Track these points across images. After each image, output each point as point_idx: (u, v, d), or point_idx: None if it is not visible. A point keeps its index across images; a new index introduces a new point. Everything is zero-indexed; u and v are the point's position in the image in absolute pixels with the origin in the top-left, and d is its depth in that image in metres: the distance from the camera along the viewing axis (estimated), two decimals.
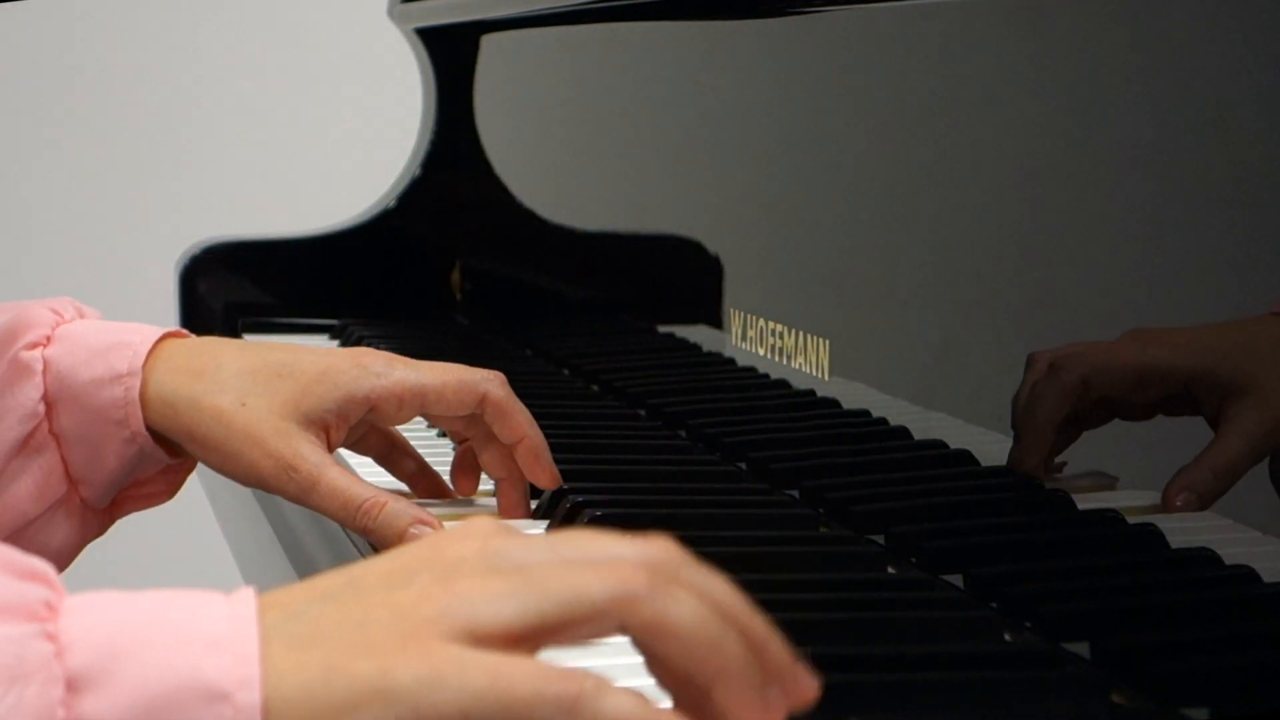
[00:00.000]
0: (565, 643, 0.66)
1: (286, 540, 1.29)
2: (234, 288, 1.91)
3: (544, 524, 1.09)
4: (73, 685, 0.64)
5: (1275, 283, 0.81)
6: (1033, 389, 0.95)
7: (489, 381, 1.08)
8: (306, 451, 1.03)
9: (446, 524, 1.02)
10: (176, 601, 0.66)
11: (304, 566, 1.18)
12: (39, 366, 1.05)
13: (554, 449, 1.20)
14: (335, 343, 1.81)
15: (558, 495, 1.10)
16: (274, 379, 1.05)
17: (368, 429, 1.11)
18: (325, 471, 1.03)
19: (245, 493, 1.44)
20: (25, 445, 1.05)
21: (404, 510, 1.02)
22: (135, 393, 1.04)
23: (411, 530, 1.01)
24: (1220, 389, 0.84)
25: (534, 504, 1.13)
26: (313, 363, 1.06)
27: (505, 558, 0.66)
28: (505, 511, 1.11)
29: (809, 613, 0.88)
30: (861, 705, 0.76)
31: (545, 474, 1.09)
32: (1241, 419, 0.83)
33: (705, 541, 0.98)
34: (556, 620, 0.65)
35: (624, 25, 1.53)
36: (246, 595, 0.67)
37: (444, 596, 0.65)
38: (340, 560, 1.15)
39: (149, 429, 1.05)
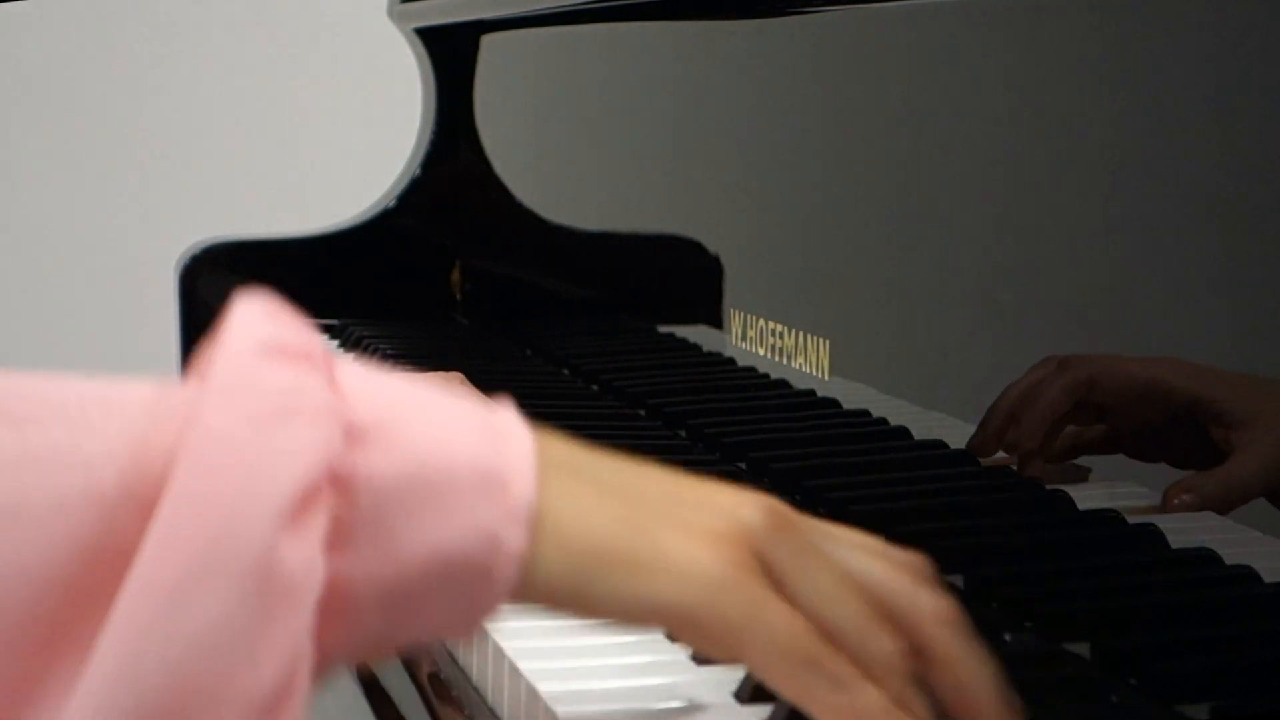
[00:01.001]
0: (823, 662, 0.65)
1: None
2: (234, 288, 1.90)
3: None
4: (350, 435, 0.62)
5: (1275, 283, 0.81)
6: (1039, 383, 0.95)
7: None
8: None
9: None
10: (446, 391, 0.65)
11: None
12: None
13: None
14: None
15: None
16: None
17: None
18: None
19: None
20: None
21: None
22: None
23: None
24: (1229, 418, 0.84)
25: None
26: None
27: (817, 539, 0.67)
28: None
29: None
30: None
31: None
32: (1257, 445, 0.83)
33: None
34: (839, 633, 0.65)
35: (624, 25, 1.53)
36: (511, 411, 0.66)
37: (761, 523, 0.66)
38: None
39: None
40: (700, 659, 0.83)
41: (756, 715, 0.77)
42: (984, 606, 0.91)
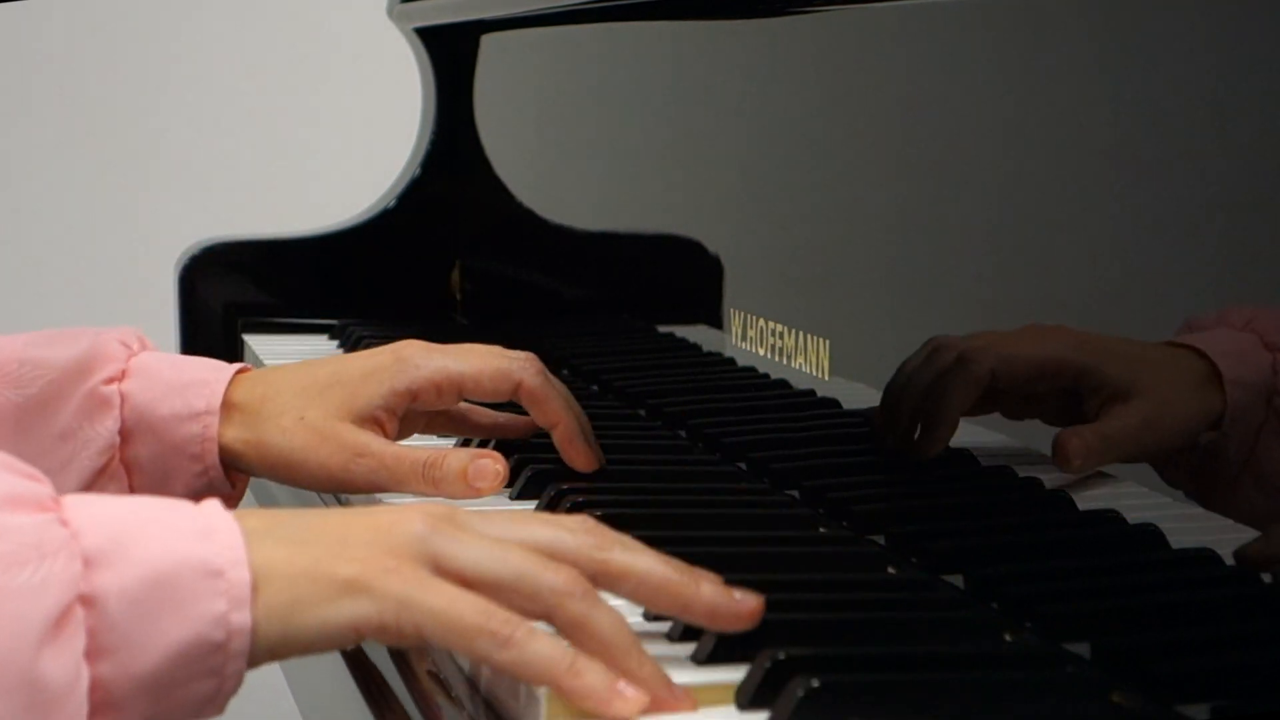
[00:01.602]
0: (496, 601, 0.77)
1: None
2: (234, 288, 1.91)
3: None
4: (89, 562, 0.74)
5: (1275, 283, 0.81)
6: (941, 378, 1.01)
7: (524, 370, 1.14)
8: (366, 439, 1.10)
9: None
10: (159, 503, 0.78)
11: None
12: (116, 400, 1.13)
13: (554, 449, 1.20)
14: (335, 343, 1.81)
15: (557, 495, 1.11)
16: (325, 390, 1.13)
17: (435, 414, 1.18)
18: (387, 448, 1.10)
19: (247, 497, 1.44)
20: (101, 474, 1.13)
21: (462, 452, 1.10)
22: (214, 430, 1.12)
23: (471, 466, 1.08)
24: (1109, 387, 0.90)
25: (533, 504, 1.13)
26: (358, 367, 1.14)
27: (476, 524, 0.80)
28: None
29: (809, 613, 0.88)
30: (861, 705, 0.76)
31: (580, 457, 1.15)
32: (1130, 410, 0.88)
33: (705, 541, 0.98)
34: (507, 584, 0.78)
35: (624, 25, 1.53)
36: (214, 503, 0.78)
37: (421, 528, 0.78)
38: None
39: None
40: (700, 659, 0.83)
41: (757, 716, 0.77)
42: (984, 606, 0.91)
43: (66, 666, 0.73)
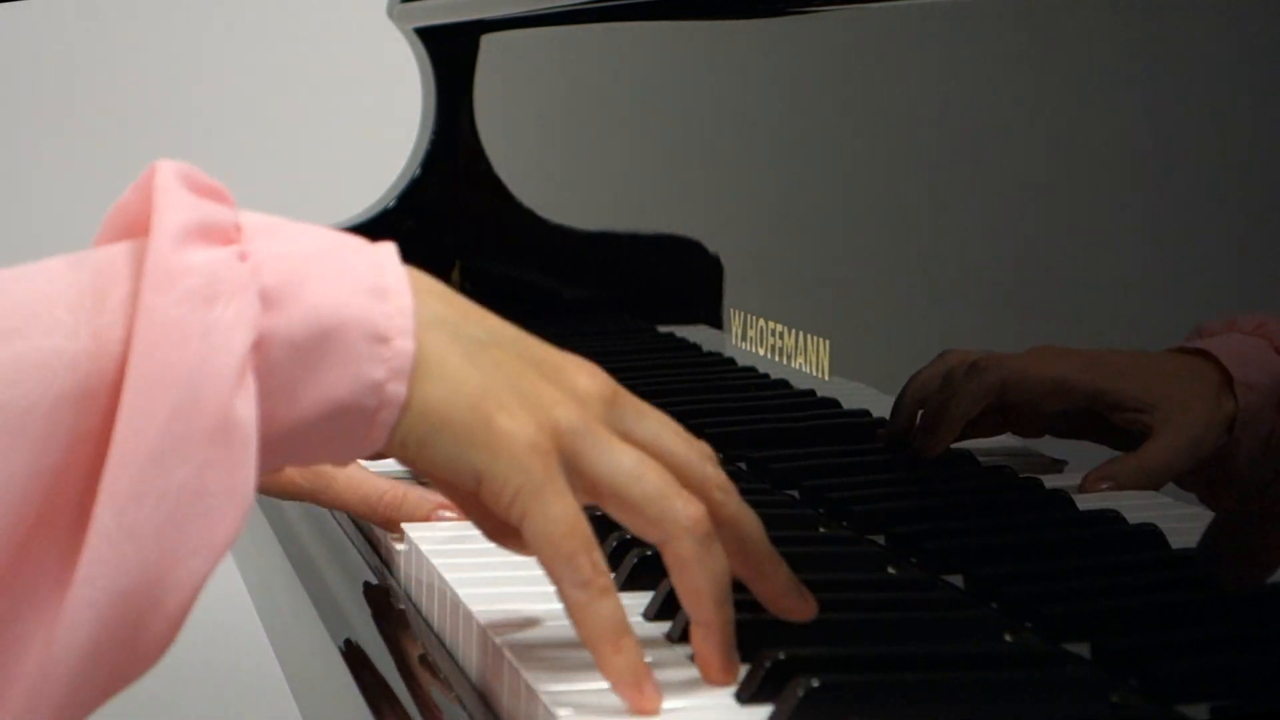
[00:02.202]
0: (622, 518, 0.79)
1: (286, 540, 1.29)
2: None
3: None
4: (264, 300, 0.73)
5: (1274, 283, 0.81)
6: (951, 382, 1.01)
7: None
8: None
9: None
10: (340, 242, 0.77)
11: (304, 566, 1.18)
12: None
13: None
14: None
15: None
16: None
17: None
18: (339, 470, 1.09)
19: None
20: None
21: (425, 497, 1.09)
22: None
23: (434, 516, 1.08)
24: (1129, 405, 0.89)
25: None
26: None
27: (628, 422, 0.81)
28: None
29: None
30: (861, 705, 0.76)
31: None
32: (1168, 426, 0.87)
33: None
34: (635, 502, 0.78)
35: (624, 25, 1.53)
36: (390, 250, 0.77)
37: (578, 418, 0.78)
38: (336, 558, 1.15)
39: None
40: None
41: (756, 716, 0.77)
42: (984, 606, 0.91)
43: (249, 407, 0.72)
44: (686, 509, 0.78)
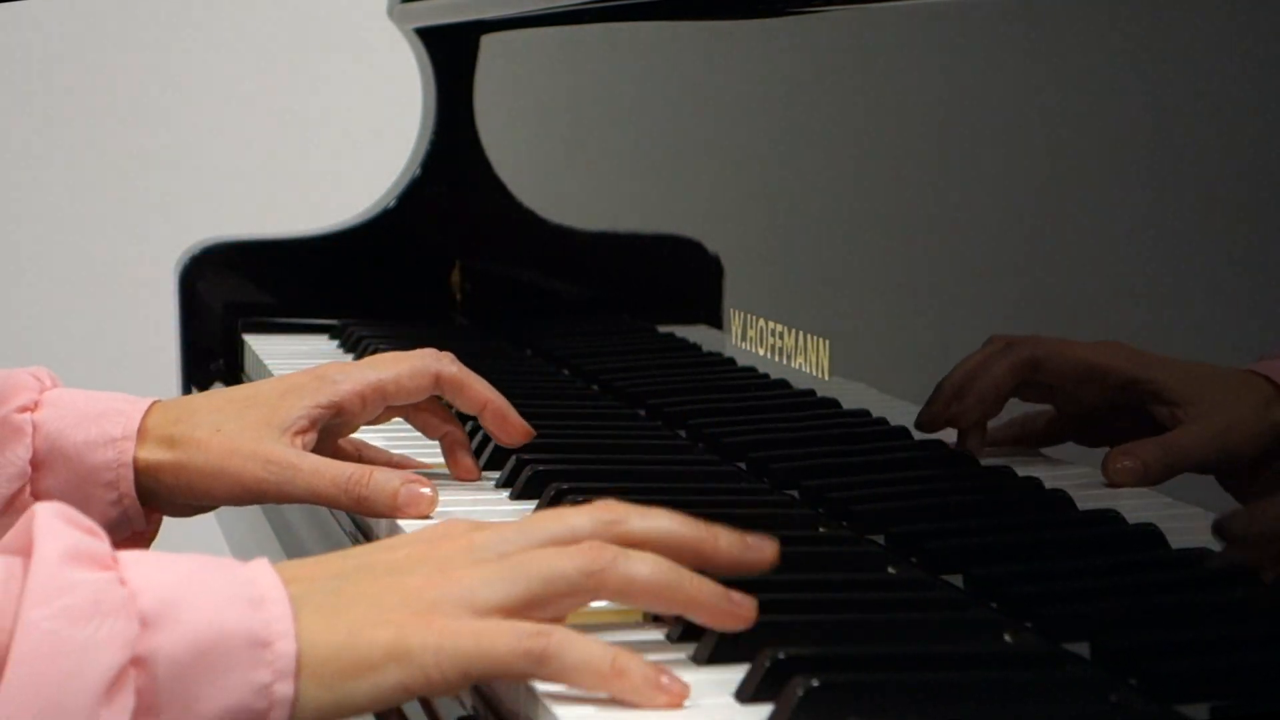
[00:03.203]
0: (551, 614, 0.81)
1: (286, 541, 1.29)
2: (234, 288, 1.90)
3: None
4: (143, 622, 0.76)
5: (1275, 284, 0.81)
6: (986, 359, 1.00)
7: (440, 361, 1.17)
8: (284, 450, 1.11)
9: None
10: (209, 565, 0.79)
11: None
12: (29, 429, 1.12)
13: (553, 449, 1.20)
14: (335, 343, 1.81)
15: (557, 494, 1.10)
16: (243, 408, 1.13)
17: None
18: (305, 459, 1.11)
19: (259, 519, 1.44)
20: (9, 505, 1.12)
21: (389, 474, 1.10)
22: (129, 455, 1.12)
23: (403, 490, 1.09)
24: (1165, 396, 0.88)
25: (533, 504, 1.13)
26: (274, 386, 1.15)
27: (489, 549, 0.82)
28: (460, 475, 1.19)
29: (809, 613, 0.88)
30: (861, 705, 0.76)
31: (513, 431, 1.18)
32: (1198, 421, 0.87)
33: None
34: (541, 596, 0.80)
35: (624, 25, 1.53)
36: (264, 564, 0.80)
37: (444, 583, 0.80)
38: None
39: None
40: (701, 659, 0.83)
41: (757, 715, 0.77)
42: (984, 606, 0.91)
43: None
44: (576, 560, 0.81)
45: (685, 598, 0.82)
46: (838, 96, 1.19)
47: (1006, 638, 0.86)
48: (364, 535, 1.18)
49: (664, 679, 0.78)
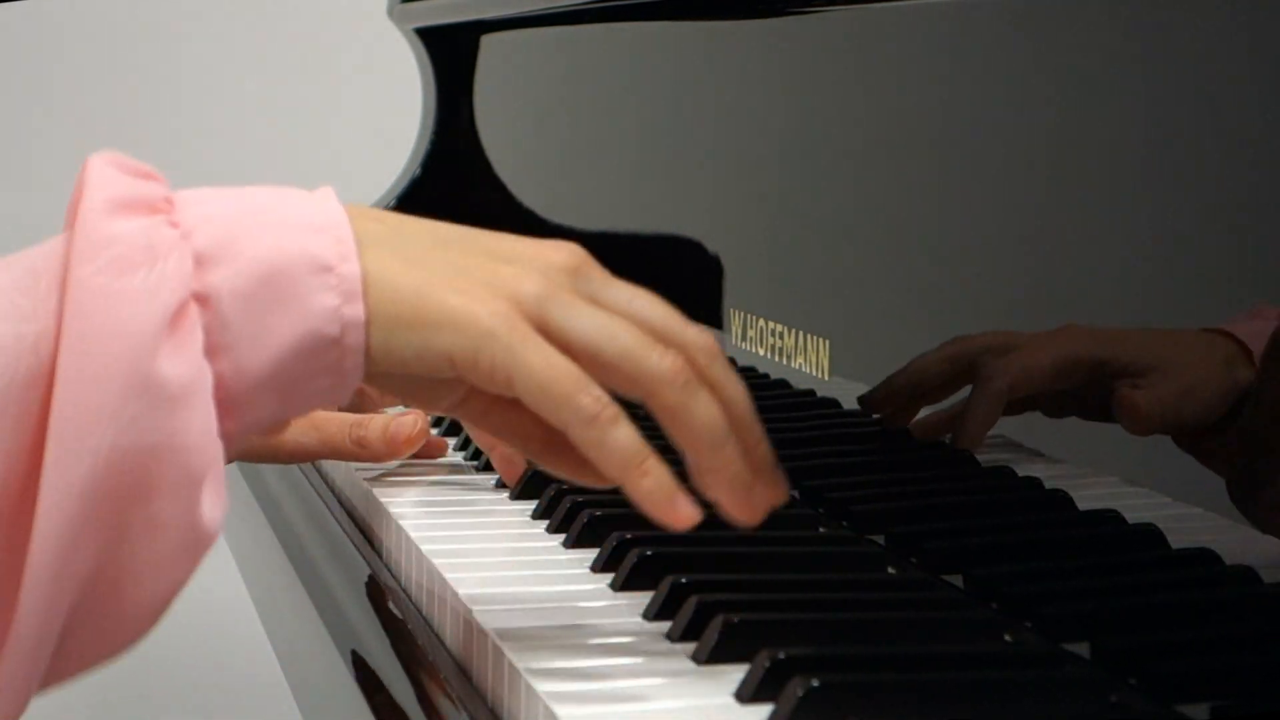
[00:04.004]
0: (600, 379, 0.78)
1: (285, 539, 1.29)
2: None
3: (543, 524, 1.09)
4: (200, 261, 0.75)
5: (1275, 283, 0.81)
6: (970, 393, 1.01)
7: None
8: None
9: None
10: (273, 195, 0.78)
11: (303, 564, 1.18)
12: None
13: None
14: None
15: (557, 496, 1.10)
16: None
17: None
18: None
19: (245, 491, 1.44)
20: None
21: (384, 415, 1.14)
22: None
23: (392, 424, 1.13)
24: (1133, 368, 0.89)
25: (533, 504, 1.13)
26: None
27: (596, 289, 0.81)
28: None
29: (809, 613, 0.88)
30: (861, 705, 0.76)
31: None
32: (1166, 381, 0.88)
33: (705, 541, 0.98)
34: (610, 359, 0.78)
35: (624, 25, 1.53)
36: (327, 193, 0.79)
37: (540, 287, 0.78)
38: (336, 558, 1.15)
39: None
40: (700, 659, 0.83)
41: (757, 715, 0.77)
42: (984, 606, 0.91)
43: (187, 365, 0.73)
44: (662, 361, 0.78)
45: (715, 465, 0.79)
46: (838, 97, 1.19)
47: (1006, 638, 0.86)
48: (361, 532, 1.18)
49: (680, 501, 0.78)
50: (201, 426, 0.74)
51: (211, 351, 0.74)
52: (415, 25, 1.95)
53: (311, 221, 0.77)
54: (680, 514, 0.78)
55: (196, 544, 0.74)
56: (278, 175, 3.09)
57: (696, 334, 0.81)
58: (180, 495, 0.73)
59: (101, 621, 0.74)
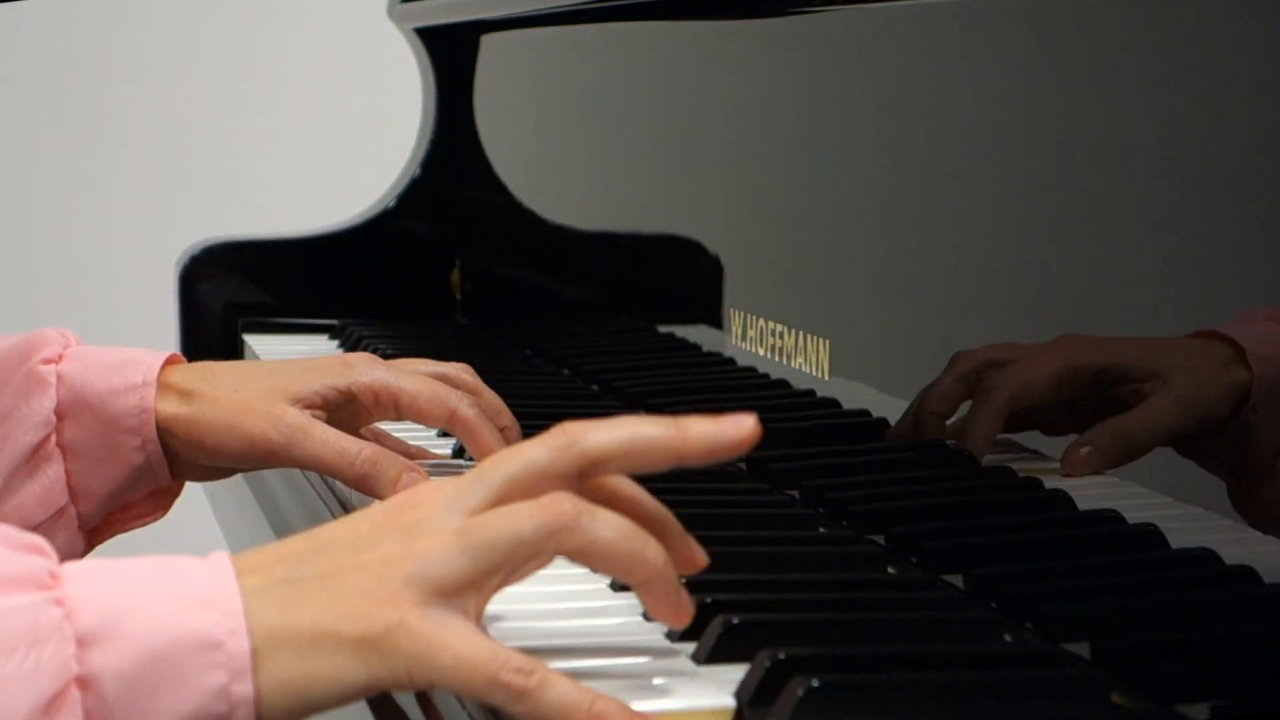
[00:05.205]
0: (517, 579, 0.78)
1: (275, 522, 1.29)
2: (234, 288, 1.91)
3: None
4: (83, 643, 0.73)
5: (1275, 282, 0.81)
6: (970, 408, 1.02)
7: (461, 401, 1.14)
8: (296, 414, 1.11)
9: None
10: (162, 567, 0.77)
11: None
12: (53, 379, 1.14)
13: None
14: (335, 343, 1.81)
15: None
16: (264, 375, 1.15)
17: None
18: (316, 426, 1.11)
19: (244, 491, 1.44)
20: (35, 454, 1.13)
21: (395, 460, 1.10)
22: (150, 401, 1.13)
23: (404, 478, 1.09)
24: (1132, 375, 0.90)
25: None
26: (301, 364, 1.16)
27: (450, 509, 0.78)
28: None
29: (809, 613, 0.88)
30: (861, 705, 0.76)
31: None
32: (1161, 395, 0.88)
33: (705, 541, 0.98)
34: (503, 563, 0.77)
35: (624, 25, 1.53)
36: (221, 558, 0.77)
37: (406, 560, 0.77)
38: None
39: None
40: (700, 659, 0.83)
41: (757, 715, 0.77)
42: (984, 606, 0.91)
43: None
44: (540, 520, 0.77)
45: (645, 571, 0.79)
46: (838, 96, 1.19)
47: (1006, 638, 0.86)
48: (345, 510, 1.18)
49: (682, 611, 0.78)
50: None
51: None
52: (415, 25, 1.95)
53: (201, 595, 0.76)
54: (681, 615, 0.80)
55: None
56: (278, 175, 3.10)
57: (549, 446, 0.80)
58: None
59: None
